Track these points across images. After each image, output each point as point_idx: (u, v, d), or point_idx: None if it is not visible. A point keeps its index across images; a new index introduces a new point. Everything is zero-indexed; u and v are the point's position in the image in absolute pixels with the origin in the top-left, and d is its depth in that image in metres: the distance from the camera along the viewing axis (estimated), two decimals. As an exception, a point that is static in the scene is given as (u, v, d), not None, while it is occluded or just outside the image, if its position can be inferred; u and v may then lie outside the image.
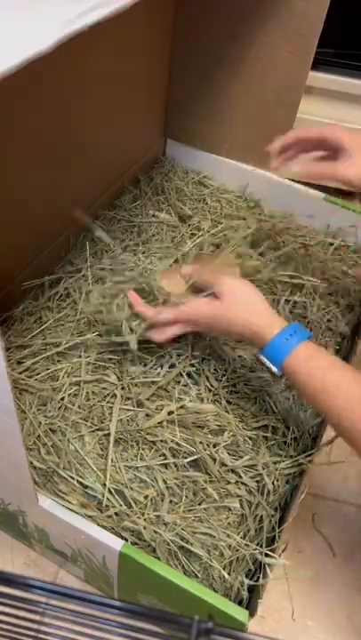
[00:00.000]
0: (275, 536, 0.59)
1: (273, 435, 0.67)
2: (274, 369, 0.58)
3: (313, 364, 0.55)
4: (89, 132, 0.81)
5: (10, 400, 0.43)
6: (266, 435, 0.66)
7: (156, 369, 0.70)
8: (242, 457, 0.64)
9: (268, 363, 0.58)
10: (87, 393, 0.68)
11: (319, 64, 1.06)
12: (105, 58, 0.76)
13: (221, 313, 0.59)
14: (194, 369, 0.70)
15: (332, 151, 0.64)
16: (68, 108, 0.74)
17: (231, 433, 0.65)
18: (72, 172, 0.81)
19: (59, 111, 0.72)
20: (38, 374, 0.69)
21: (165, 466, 0.63)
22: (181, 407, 0.66)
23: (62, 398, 0.67)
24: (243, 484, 0.63)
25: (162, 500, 0.61)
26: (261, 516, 0.60)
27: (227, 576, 0.56)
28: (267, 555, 0.57)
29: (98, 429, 0.65)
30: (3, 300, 0.77)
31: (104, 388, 0.69)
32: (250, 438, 0.66)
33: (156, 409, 0.66)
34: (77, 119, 0.77)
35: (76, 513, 0.58)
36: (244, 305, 0.59)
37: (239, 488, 0.62)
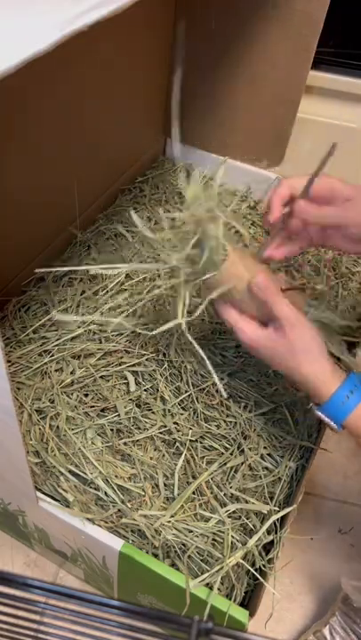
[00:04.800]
0: (274, 538, 0.59)
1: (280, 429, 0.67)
2: (333, 425, 0.53)
3: None
4: (89, 131, 0.81)
5: (9, 400, 0.43)
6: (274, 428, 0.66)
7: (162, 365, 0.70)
8: (245, 455, 0.64)
9: (325, 419, 0.53)
10: (86, 386, 0.68)
11: (319, 63, 1.06)
12: (105, 58, 0.76)
13: (281, 349, 0.52)
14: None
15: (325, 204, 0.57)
16: (68, 108, 0.74)
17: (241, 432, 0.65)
18: (72, 171, 0.81)
19: (58, 111, 0.72)
20: (30, 369, 0.70)
21: (165, 458, 0.63)
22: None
23: (60, 393, 0.67)
24: (244, 484, 0.63)
25: (165, 500, 0.61)
26: (263, 516, 0.60)
27: (232, 575, 0.56)
28: (267, 554, 0.57)
29: (99, 425, 0.65)
30: (3, 301, 0.77)
31: (106, 382, 0.69)
32: (263, 436, 0.66)
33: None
34: (77, 119, 0.77)
35: (76, 513, 0.58)
36: (302, 352, 0.52)
37: (239, 488, 0.62)
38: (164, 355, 0.72)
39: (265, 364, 0.55)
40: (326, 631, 0.64)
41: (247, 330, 0.54)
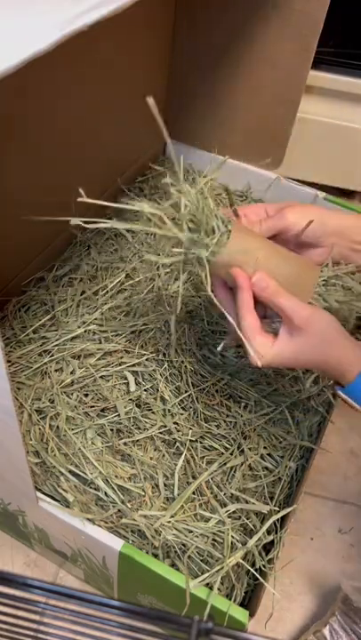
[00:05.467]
0: (274, 538, 0.59)
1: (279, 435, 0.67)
2: (358, 407, 0.53)
3: None
4: (89, 131, 0.81)
5: (9, 400, 0.43)
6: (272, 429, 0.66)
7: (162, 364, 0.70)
8: (245, 454, 0.64)
9: (350, 400, 0.53)
10: (86, 386, 0.68)
11: (319, 63, 1.06)
12: (105, 58, 0.76)
13: (302, 349, 0.51)
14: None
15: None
16: (68, 108, 0.74)
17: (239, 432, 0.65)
18: (72, 171, 0.81)
19: (58, 111, 0.72)
20: (30, 369, 0.70)
21: (165, 458, 0.63)
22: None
23: (60, 393, 0.67)
24: (244, 484, 0.63)
25: (165, 500, 0.61)
26: (263, 516, 0.60)
27: (232, 575, 0.56)
28: (267, 554, 0.57)
29: (99, 425, 0.65)
30: (3, 301, 0.77)
31: (107, 381, 0.69)
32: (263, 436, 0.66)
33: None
34: (77, 119, 0.77)
35: (76, 513, 0.58)
36: (324, 342, 0.51)
37: (239, 488, 0.62)
38: (164, 355, 0.72)
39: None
40: (326, 631, 0.64)
41: (262, 354, 0.51)
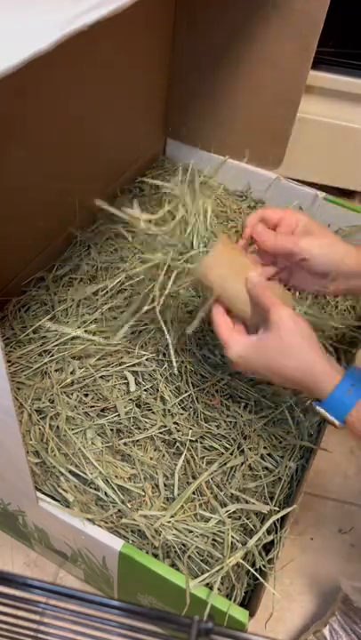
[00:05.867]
0: (274, 538, 0.59)
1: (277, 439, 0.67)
2: (335, 421, 0.52)
3: None
4: (89, 131, 0.81)
5: (9, 400, 0.43)
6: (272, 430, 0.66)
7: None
8: (245, 456, 0.64)
9: (327, 415, 0.52)
10: (86, 386, 0.68)
11: (319, 63, 1.06)
12: (105, 58, 0.76)
13: (275, 351, 0.51)
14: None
15: (289, 232, 0.59)
16: (68, 108, 0.74)
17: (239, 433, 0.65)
18: (72, 171, 0.81)
19: (58, 111, 0.72)
20: (30, 369, 0.70)
21: (165, 458, 0.63)
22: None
23: (60, 393, 0.67)
24: (244, 484, 0.63)
25: (165, 500, 0.61)
26: (263, 516, 0.60)
27: (232, 575, 0.56)
28: (267, 554, 0.57)
29: (99, 425, 0.65)
30: (3, 301, 0.77)
31: (107, 382, 0.69)
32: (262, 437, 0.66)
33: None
34: (77, 119, 0.77)
35: (76, 513, 0.58)
36: (300, 347, 0.51)
37: (239, 488, 0.62)
38: (164, 355, 0.72)
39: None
40: (326, 631, 0.64)
41: (234, 344, 0.53)
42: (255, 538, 0.57)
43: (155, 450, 0.65)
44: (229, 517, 0.60)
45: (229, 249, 0.55)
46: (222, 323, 0.55)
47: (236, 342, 0.54)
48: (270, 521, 0.59)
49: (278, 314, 0.51)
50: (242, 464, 0.64)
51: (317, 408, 0.52)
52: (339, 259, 0.56)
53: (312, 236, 0.57)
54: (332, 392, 0.50)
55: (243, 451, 0.65)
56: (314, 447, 0.66)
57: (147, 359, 0.71)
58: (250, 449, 0.65)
